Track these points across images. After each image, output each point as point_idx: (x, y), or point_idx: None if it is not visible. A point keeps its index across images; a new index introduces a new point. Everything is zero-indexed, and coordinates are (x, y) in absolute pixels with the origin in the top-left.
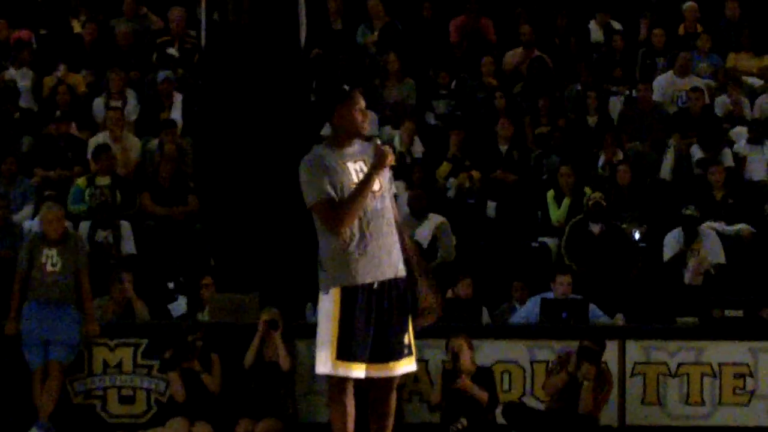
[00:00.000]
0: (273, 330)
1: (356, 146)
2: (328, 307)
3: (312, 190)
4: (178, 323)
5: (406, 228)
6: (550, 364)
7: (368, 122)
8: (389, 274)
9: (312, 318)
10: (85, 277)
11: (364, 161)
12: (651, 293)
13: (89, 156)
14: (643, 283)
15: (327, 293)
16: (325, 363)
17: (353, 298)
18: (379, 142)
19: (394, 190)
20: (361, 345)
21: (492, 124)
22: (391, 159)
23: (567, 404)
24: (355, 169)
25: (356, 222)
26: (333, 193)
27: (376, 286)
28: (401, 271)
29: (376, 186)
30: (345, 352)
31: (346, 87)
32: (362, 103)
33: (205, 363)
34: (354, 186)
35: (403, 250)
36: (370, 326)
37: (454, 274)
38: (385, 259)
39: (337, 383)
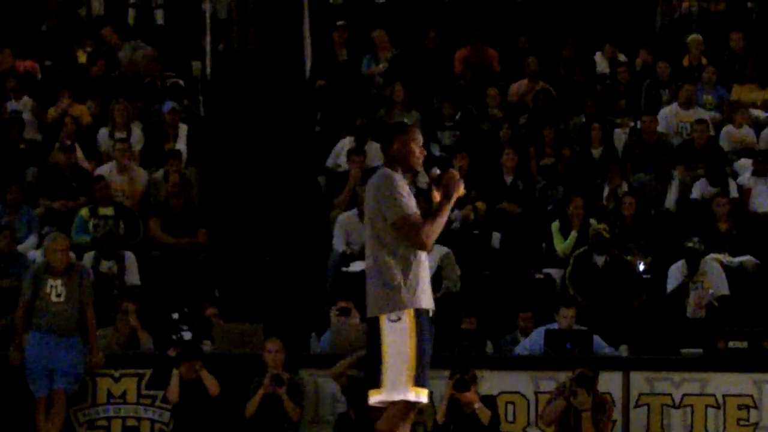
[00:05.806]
0: (278, 386)
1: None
2: (402, 329)
3: (400, 205)
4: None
5: None
6: (550, 395)
7: (422, 159)
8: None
9: (315, 348)
10: (89, 308)
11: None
12: (655, 324)
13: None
14: (647, 315)
15: (397, 317)
16: (400, 389)
17: (423, 322)
18: (438, 171)
19: None
20: (427, 371)
21: (497, 155)
22: (461, 188)
23: None
24: None
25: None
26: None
27: (431, 314)
28: None
29: None
30: (421, 378)
31: (406, 120)
32: (419, 139)
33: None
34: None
35: None
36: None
37: (459, 305)
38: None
39: (406, 410)
